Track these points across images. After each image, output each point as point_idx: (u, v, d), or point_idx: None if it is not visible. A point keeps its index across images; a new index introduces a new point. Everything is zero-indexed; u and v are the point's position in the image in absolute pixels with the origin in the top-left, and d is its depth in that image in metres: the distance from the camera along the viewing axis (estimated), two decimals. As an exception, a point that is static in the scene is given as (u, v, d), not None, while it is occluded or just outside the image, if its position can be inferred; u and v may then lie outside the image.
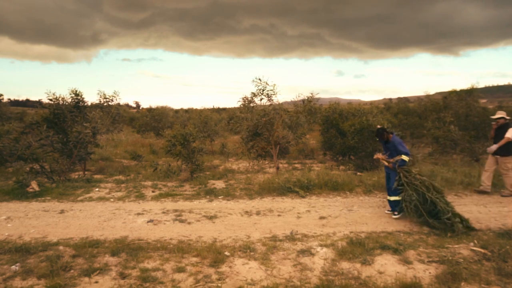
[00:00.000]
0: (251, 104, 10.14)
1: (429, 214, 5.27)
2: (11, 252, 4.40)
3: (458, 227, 4.94)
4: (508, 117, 7.31)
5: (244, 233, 5.26)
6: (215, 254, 4.32)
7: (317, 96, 10.46)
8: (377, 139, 6.26)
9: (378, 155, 5.97)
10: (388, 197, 6.07)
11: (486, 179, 7.33)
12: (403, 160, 5.74)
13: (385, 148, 6.11)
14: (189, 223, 5.80)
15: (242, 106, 10.39)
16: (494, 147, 7.15)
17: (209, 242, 4.85)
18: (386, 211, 6.12)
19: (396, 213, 5.91)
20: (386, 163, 5.89)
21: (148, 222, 5.83)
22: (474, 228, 5.11)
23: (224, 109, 45.08)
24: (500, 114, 7.35)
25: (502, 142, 7.09)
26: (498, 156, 7.23)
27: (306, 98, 10.55)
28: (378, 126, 6.14)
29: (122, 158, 14.92)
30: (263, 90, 9.81)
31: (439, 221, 5.12)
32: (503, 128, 7.22)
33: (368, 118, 10.58)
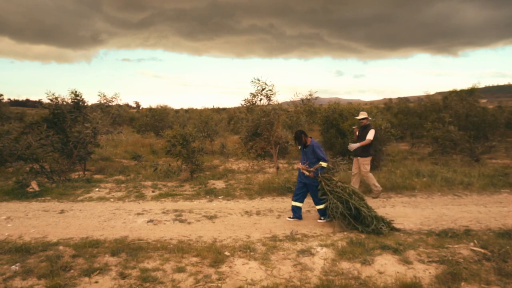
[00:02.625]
0: (252, 105, 10.11)
1: (355, 219, 5.27)
2: (11, 252, 4.40)
3: (383, 230, 5.06)
4: (370, 118, 7.33)
5: (244, 233, 5.26)
6: (215, 254, 4.32)
7: (315, 95, 10.45)
8: (296, 143, 6.05)
9: (299, 165, 5.87)
10: (317, 207, 5.91)
11: (355, 183, 7.31)
12: (322, 167, 5.70)
13: (303, 153, 5.93)
14: (189, 223, 5.80)
15: (245, 106, 10.31)
16: (355, 145, 7.12)
17: (209, 242, 4.85)
18: (318, 220, 5.86)
19: (322, 218, 5.82)
20: (307, 173, 5.74)
21: (148, 222, 5.83)
22: (397, 229, 5.23)
23: (224, 109, 45.09)
24: (363, 114, 7.35)
25: (363, 142, 7.10)
26: (359, 158, 7.24)
27: (305, 97, 10.55)
28: (299, 129, 6.01)
29: (122, 158, 14.91)
30: (262, 91, 9.81)
31: (365, 225, 5.15)
32: (366, 129, 7.24)
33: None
